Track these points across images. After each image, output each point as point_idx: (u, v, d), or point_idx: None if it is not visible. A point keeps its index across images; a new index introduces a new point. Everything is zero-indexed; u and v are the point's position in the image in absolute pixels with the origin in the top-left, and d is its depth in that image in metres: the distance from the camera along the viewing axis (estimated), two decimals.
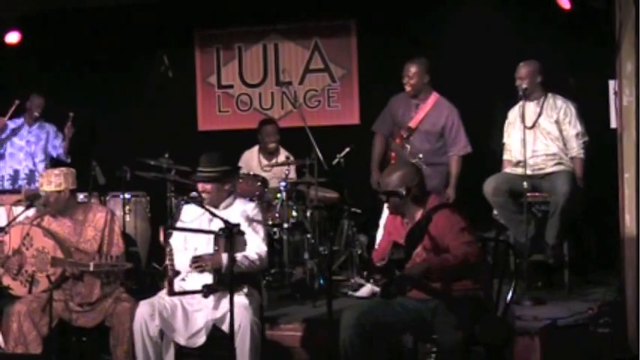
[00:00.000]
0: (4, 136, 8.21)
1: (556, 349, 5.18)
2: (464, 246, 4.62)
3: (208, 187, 5.31)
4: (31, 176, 8.13)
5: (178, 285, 5.13)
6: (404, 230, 4.78)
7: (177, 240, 5.27)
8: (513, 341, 5.05)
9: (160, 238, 5.06)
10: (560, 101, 6.54)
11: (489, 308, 4.72)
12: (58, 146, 8.31)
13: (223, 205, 5.32)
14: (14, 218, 5.82)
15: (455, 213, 4.82)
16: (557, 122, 6.49)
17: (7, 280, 5.54)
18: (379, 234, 6.38)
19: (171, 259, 5.03)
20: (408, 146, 6.47)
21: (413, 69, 6.56)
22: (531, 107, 6.55)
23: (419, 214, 4.77)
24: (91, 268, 5.32)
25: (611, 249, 6.20)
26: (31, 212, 5.82)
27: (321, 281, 6.86)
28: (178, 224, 5.44)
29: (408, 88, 6.59)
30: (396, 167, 5.13)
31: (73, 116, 8.08)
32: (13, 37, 8.96)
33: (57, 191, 5.54)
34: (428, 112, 6.57)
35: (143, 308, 5.06)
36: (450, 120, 6.58)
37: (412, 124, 6.54)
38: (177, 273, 5.08)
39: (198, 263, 5.04)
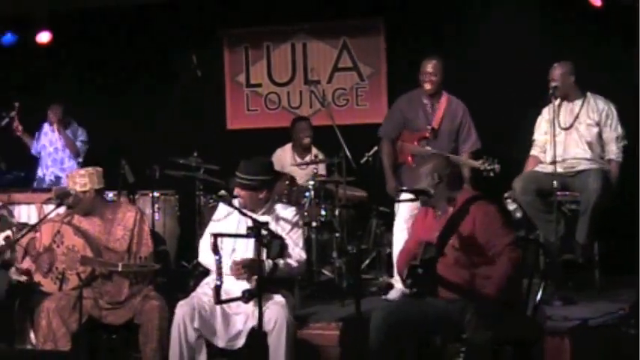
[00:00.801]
0: (39, 140, 8.29)
1: (586, 349, 5.14)
2: (507, 252, 4.59)
3: (242, 192, 5.31)
4: (56, 183, 8.17)
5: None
6: (437, 224, 4.75)
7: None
8: (543, 341, 5.01)
9: (211, 248, 4.96)
10: (601, 103, 6.45)
11: (519, 308, 4.70)
12: (80, 146, 8.37)
13: (262, 210, 5.31)
14: (45, 216, 5.84)
15: (492, 205, 4.80)
16: (597, 124, 6.41)
17: (38, 277, 5.56)
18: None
19: (220, 269, 4.96)
20: (429, 147, 6.42)
21: (434, 67, 6.48)
22: (568, 108, 6.49)
23: (452, 207, 4.74)
24: (120, 269, 5.34)
25: None
26: (61, 210, 5.86)
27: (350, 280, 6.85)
28: (212, 223, 5.48)
29: (428, 86, 6.48)
30: (428, 159, 5.09)
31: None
32: (44, 37, 9.06)
33: (82, 191, 5.56)
34: (445, 110, 6.51)
35: (182, 309, 5.05)
36: (464, 118, 6.53)
37: (435, 124, 6.47)
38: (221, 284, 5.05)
39: (239, 270, 5.04)
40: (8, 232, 5.88)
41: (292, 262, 5.22)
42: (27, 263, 5.60)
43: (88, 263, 5.41)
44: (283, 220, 5.31)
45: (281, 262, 5.13)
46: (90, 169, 5.63)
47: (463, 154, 6.49)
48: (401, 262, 4.97)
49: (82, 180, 5.56)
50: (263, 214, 5.28)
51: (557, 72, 6.43)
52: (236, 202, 5.28)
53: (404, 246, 5.08)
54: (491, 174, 6.20)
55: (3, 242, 5.83)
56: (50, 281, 5.52)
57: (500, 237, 4.63)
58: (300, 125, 8.02)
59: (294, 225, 5.35)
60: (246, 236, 5.06)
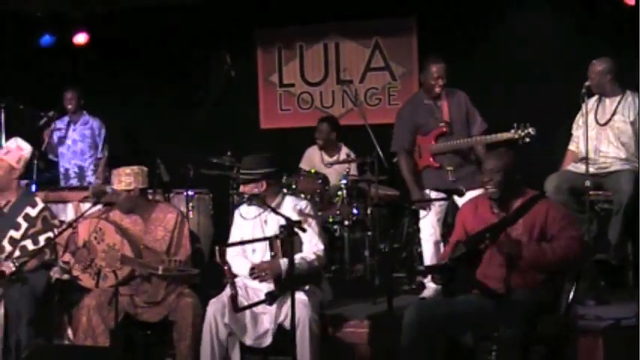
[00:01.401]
0: (56, 136, 8.35)
1: (619, 349, 5.10)
2: (569, 241, 4.59)
3: (246, 188, 5.34)
4: (80, 174, 8.23)
5: (244, 286, 5.15)
6: (494, 217, 4.74)
7: (247, 237, 5.32)
8: (576, 341, 4.99)
9: (217, 259, 4.98)
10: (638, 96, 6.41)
11: (552, 307, 4.69)
12: (100, 141, 8.42)
13: (274, 202, 5.31)
14: (82, 214, 5.91)
15: (560, 205, 4.79)
16: (632, 124, 6.34)
17: (76, 272, 5.61)
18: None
19: (232, 278, 5.00)
20: (452, 142, 6.40)
21: (443, 69, 6.41)
22: (606, 104, 6.44)
23: (517, 203, 4.71)
24: (160, 272, 5.35)
25: None
26: (99, 207, 5.90)
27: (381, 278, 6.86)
28: (235, 224, 5.50)
29: (438, 90, 6.41)
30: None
31: None
32: (81, 38, 9.15)
33: (127, 190, 5.61)
34: (449, 103, 6.45)
35: (214, 307, 5.09)
36: (467, 104, 6.48)
37: (446, 118, 6.43)
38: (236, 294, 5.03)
39: (257, 274, 5.07)
40: (50, 234, 5.92)
41: (310, 255, 5.22)
42: (66, 258, 5.66)
43: (128, 263, 5.46)
44: (295, 211, 5.29)
45: (297, 257, 5.08)
46: (135, 168, 5.66)
47: (474, 137, 6.42)
48: (444, 257, 5.00)
49: (127, 179, 5.60)
50: (274, 207, 5.25)
51: (595, 69, 6.39)
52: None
53: (450, 241, 5.07)
54: (527, 139, 6.06)
55: (44, 243, 5.88)
56: (88, 276, 5.57)
57: (567, 230, 4.63)
58: (319, 126, 8.06)
59: (309, 216, 5.34)
60: (257, 240, 5.14)
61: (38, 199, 6.08)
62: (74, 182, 8.24)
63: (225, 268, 5.00)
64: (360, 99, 8.53)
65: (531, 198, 4.71)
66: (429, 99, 6.48)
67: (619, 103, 6.40)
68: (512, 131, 6.11)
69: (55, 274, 5.82)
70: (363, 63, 9.16)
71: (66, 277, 5.72)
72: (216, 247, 4.96)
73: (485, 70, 7.89)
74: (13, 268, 5.65)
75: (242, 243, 5.26)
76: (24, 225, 5.88)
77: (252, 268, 5.08)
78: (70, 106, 8.36)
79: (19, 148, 6.03)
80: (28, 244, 5.85)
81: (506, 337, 4.42)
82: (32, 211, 5.93)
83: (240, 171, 5.38)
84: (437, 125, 6.41)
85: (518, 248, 4.54)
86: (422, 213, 6.37)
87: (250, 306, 5.00)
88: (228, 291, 5.13)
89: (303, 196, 5.58)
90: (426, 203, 6.29)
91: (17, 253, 5.79)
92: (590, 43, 7.56)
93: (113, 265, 5.49)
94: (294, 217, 5.05)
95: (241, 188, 5.39)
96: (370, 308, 6.32)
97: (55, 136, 8.29)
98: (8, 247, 5.81)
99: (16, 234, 5.87)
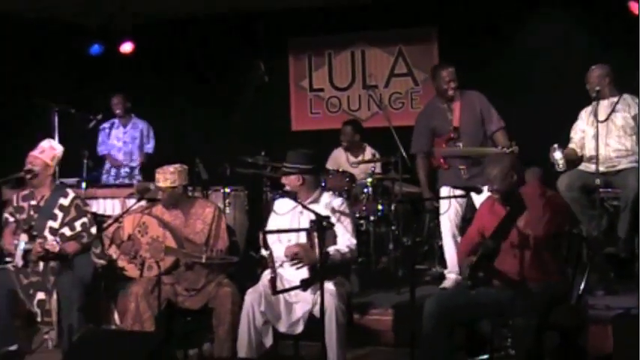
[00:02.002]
0: (104, 140, 8.39)
1: (628, 337, 5.05)
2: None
3: (287, 180, 5.34)
4: (131, 174, 8.28)
5: (278, 277, 5.14)
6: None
7: (271, 235, 5.31)
8: (587, 329, 4.96)
9: (261, 244, 5.07)
10: (637, 98, 6.35)
11: (564, 297, 4.66)
12: (151, 143, 8.46)
13: (310, 199, 5.29)
14: (127, 209, 5.94)
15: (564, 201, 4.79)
16: (634, 118, 6.29)
17: (122, 263, 5.64)
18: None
19: (272, 263, 5.01)
20: (460, 144, 6.35)
21: (454, 73, 6.38)
22: (604, 105, 6.38)
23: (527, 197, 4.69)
24: (203, 260, 5.36)
25: None
26: (143, 203, 5.94)
27: (405, 270, 6.84)
28: (272, 215, 5.50)
29: (451, 92, 6.37)
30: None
31: None
32: (127, 47, 9.21)
33: (171, 187, 5.64)
34: (461, 107, 6.39)
35: (251, 296, 5.09)
36: (482, 104, 6.39)
37: (455, 123, 6.38)
38: (276, 276, 5.03)
39: (296, 261, 5.06)
40: (84, 219, 5.98)
41: (343, 248, 5.20)
42: (112, 250, 5.69)
43: (172, 253, 5.49)
44: (333, 209, 5.28)
45: (332, 249, 5.12)
46: (178, 166, 5.69)
47: (493, 134, 6.35)
48: (462, 250, 5.00)
49: (172, 177, 5.62)
50: (311, 202, 5.24)
51: (594, 74, 6.35)
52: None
53: (466, 234, 5.06)
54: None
55: (80, 228, 5.95)
56: (134, 267, 5.60)
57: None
58: (344, 129, 8.05)
59: (344, 213, 5.32)
60: (295, 230, 5.12)
61: (69, 190, 6.13)
62: (124, 181, 8.29)
63: (268, 252, 5.03)
64: (384, 103, 8.54)
65: (536, 195, 4.70)
66: (444, 103, 6.44)
67: (617, 102, 6.35)
68: (500, 147, 6.10)
69: (93, 258, 5.87)
70: (388, 69, 9.15)
71: (103, 262, 5.78)
72: (260, 233, 5.02)
73: (502, 76, 7.84)
74: (57, 246, 5.73)
75: (283, 231, 5.24)
76: (60, 215, 5.94)
77: (295, 253, 5.06)
78: (118, 111, 8.43)
79: (52, 148, 6.10)
80: (66, 230, 5.90)
81: (520, 326, 4.40)
82: (65, 201, 5.98)
83: (284, 164, 5.38)
84: (448, 129, 6.39)
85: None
86: (442, 209, 6.35)
87: (286, 290, 5.01)
88: (266, 277, 5.15)
89: (330, 192, 5.56)
90: (447, 200, 6.27)
91: (57, 239, 5.83)
92: (595, 52, 7.52)
93: (156, 256, 5.50)
94: (325, 212, 5.03)
95: (282, 179, 5.39)
96: (394, 298, 6.33)
97: (102, 137, 8.36)
98: (50, 237, 5.85)
99: (54, 224, 5.91)
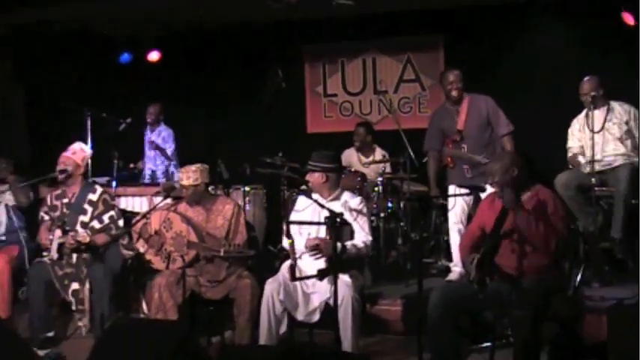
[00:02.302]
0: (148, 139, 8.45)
1: (622, 326, 5.05)
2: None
3: (310, 177, 5.37)
4: (167, 175, 8.31)
5: (297, 268, 5.17)
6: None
7: (293, 226, 5.31)
8: (583, 318, 4.95)
9: (284, 233, 5.09)
10: (626, 105, 6.36)
11: (561, 290, 4.65)
12: (170, 147, 8.49)
13: (331, 197, 5.33)
14: (154, 206, 5.98)
15: (561, 201, 4.78)
16: (627, 123, 6.29)
17: (149, 256, 5.67)
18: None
19: (294, 252, 5.05)
20: (465, 145, 6.34)
21: (457, 75, 6.39)
22: (597, 115, 6.36)
23: (525, 196, 4.69)
24: (222, 254, 5.39)
25: None
26: (168, 201, 5.98)
27: (413, 263, 6.85)
28: (293, 212, 5.52)
29: (455, 93, 6.36)
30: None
31: None
32: (153, 56, 9.24)
33: (194, 185, 5.67)
34: (468, 110, 6.36)
35: (271, 286, 5.10)
36: (489, 106, 6.35)
37: (459, 126, 6.36)
38: (295, 264, 5.08)
39: (315, 250, 5.08)
40: (112, 213, 6.03)
41: (359, 243, 5.22)
42: (140, 244, 5.71)
43: (193, 247, 5.50)
44: (351, 207, 5.30)
45: (349, 244, 5.14)
46: (199, 165, 5.71)
47: (502, 138, 6.32)
48: (464, 245, 4.98)
49: (194, 175, 5.66)
50: (332, 200, 5.28)
51: (588, 86, 6.33)
52: (315, 195, 5.33)
53: (468, 229, 5.05)
54: None
55: (108, 221, 5.99)
56: (159, 260, 5.62)
57: (560, 227, 4.62)
58: (357, 130, 8.04)
59: (361, 212, 5.33)
60: (317, 223, 5.13)
61: (97, 186, 6.21)
62: (162, 181, 8.32)
63: (290, 241, 5.05)
64: (394, 107, 8.52)
65: (537, 194, 4.70)
66: (452, 105, 6.44)
67: (607, 112, 6.34)
68: (482, 156, 6.12)
69: (121, 249, 5.90)
70: (397, 75, 9.12)
71: (131, 253, 5.84)
72: (284, 223, 5.05)
73: (503, 81, 7.82)
74: (88, 237, 5.79)
75: (305, 223, 5.26)
76: (89, 209, 6.00)
77: (317, 244, 5.08)
78: (149, 120, 8.46)
79: (82, 150, 6.18)
80: (95, 224, 5.97)
81: (517, 317, 4.41)
82: (94, 197, 6.04)
83: (309, 162, 5.39)
84: (454, 131, 6.38)
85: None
86: (449, 205, 6.36)
87: (304, 278, 5.03)
88: (285, 268, 5.20)
89: (349, 192, 5.58)
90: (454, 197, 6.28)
91: (88, 232, 5.90)
92: (592, 61, 7.53)
93: (180, 249, 5.53)
94: (341, 210, 5.08)
95: (307, 176, 5.41)
96: (403, 289, 6.34)
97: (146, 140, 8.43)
98: (81, 230, 5.91)
99: (84, 218, 5.98)
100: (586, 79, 6.37)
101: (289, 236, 5.08)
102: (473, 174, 6.22)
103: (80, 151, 6.14)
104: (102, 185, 6.45)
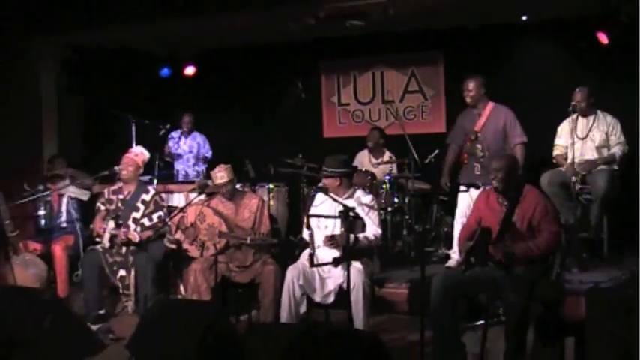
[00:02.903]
0: (172, 144, 8.47)
1: (598, 306, 5.04)
2: (550, 236, 4.56)
3: (325, 181, 5.40)
4: (197, 175, 8.35)
5: (315, 256, 5.20)
6: (499, 208, 4.72)
7: (312, 220, 5.34)
8: (564, 300, 4.95)
9: (304, 225, 5.12)
10: (609, 117, 6.35)
11: (546, 275, 4.65)
12: (207, 151, 8.52)
13: (346, 195, 5.33)
14: (190, 202, 6.02)
15: (547, 199, 4.77)
16: (606, 134, 6.30)
17: (185, 245, 5.74)
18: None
19: (313, 242, 5.08)
20: (479, 145, 6.31)
21: (471, 84, 6.34)
22: (584, 122, 6.37)
23: (515, 197, 4.66)
24: (248, 241, 5.44)
25: None
26: (202, 197, 6.02)
27: (416, 251, 6.85)
28: (312, 207, 5.53)
29: (468, 100, 6.36)
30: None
31: None
32: (189, 70, 9.28)
33: (228, 182, 5.72)
34: (488, 116, 6.33)
35: (292, 272, 5.11)
36: (507, 118, 6.30)
37: (476, 128, 6.34)
38: (314, 252, 5.12)
39: (332, 242, 5.10)
40: (160, 213, 6.07)
41: (370, 235, 5.23)
42: (178, 234, 5.77)
43: (224, 237, 5.55)
44: (363, 204, 5.32)
45: (361, 235, 5.16)
46: (224, 166, 5.75)
47: (514, 147, 6.26)
48: (462, 236, 4.97)
49: (225, 174, 5.70)
50: (346, 198, 5.28)
51: (580, 95, 6.32)
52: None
53: (466, 221, 5.04)
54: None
55: (157, 220, 6.03)
56: (194, 248, 5.68)
57: (552, 226, 4.61)
58: (371, 133, 8.01)
59: (372, 208, 5.35)
60: (334, 217, 5.13)
61: (150, 188, 6.26)
62: (184, 179, 8.38)
63: (309, 232, 5.11)
64: (399, 115, 8.52)
65: (527, 193, 4.68)
66: (473, 109, 6.42)
67: (594, 121, 6.33)
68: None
69: (166, 242, 5.95)
70: (402, 87, 9.11)
71: (173, 246, 5.84)
72: (304, 216, 5.09)
73: (497, 92, 7.77)
74: (138, 237, 5.85)
75: (323, 216, 5.26)
76: (142, 207, 6.05)
77: (332, 237, 5.11)
78: (185, 129, 8.48)
79: (142, 154, 6.23)
80: (145, 221, 6.02)
81: (510, 300, 4.42)
82: (147, 197, 6.09)
83: (323, 168, 5.37)
84: (471, 131, 6.37)
85: (512, 250, 4.52)
86: (458, 203, 6.34)
87: (321, 264, 5.07)
88: (304, 256, 5.23)
89: (362, 190, 5.60)
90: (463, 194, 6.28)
91: (138, 229, 5.96)
92: (576, 72, 7.55)
93: (213, 239, 5.59)
94: (360, 207, 5.13)
95: (323, 181, 5.41)
96: (407, 274, 6.35)
97: (172, 143, 8.44)
98: (132, 225, 5.97)
99: (137, 214, 6.03)
100: (578, 89, 6.35)
101: (309, 228, 5.12)
102: (481, 172, 6.19)
103: (141, 154, 6.19)
104: (145, 183, 6.48)
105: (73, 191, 6.64)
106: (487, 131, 6.31)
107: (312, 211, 5.48)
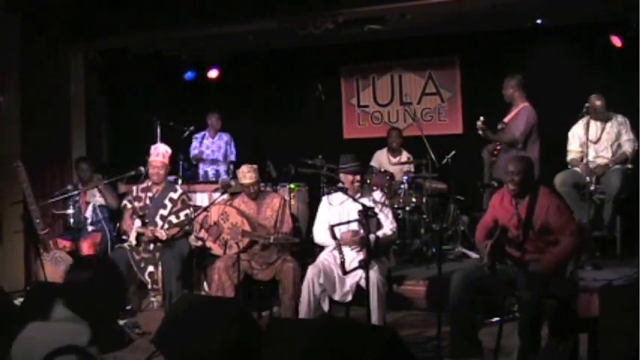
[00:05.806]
0: (196, 146, 8.50)
1: (611, 303, 5.01)
2: (571, 238, 4.52)
3: (351, 177, 5.30)
4: (218, 176, 8.38)
5: (332, 259, 5.21)
6: (512, 209, 4.70)
7: (333, 219, 5.32)
8: (578, 297, 4.93)
9: (330, 236, 5.09)
10: (620, 117, 6.39)
11: (560, 272, 4.64)
12: (232, 153, 8.53)
13: (359, 194, 5.33)
14: (213, 201, 6.06)
15: (559, 197, 4.77)
16: (618, 133, 6.33)
17: (209, 243, 5.77)
18: None
19: (341, 251, 5.03)
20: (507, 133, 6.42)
21: (505, 83, 6.51)
22: (597, 125, 6.39)
23: (529, 196, 4.66)
24: (272, 240, 5.45)
25: None
26: (225, 196, 6.06)
27: (433, 249, 6.86)
28: (327, 206, 5.50)
29: (506, 98, 6.53)
30: (516, 160, 4.92)
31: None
32: (213, 73, 9.33)
33: (254, 182, 5.74)
34: (519, 112, 6.40)
35: (312, 270, 5.11)
36: (523, 113, 6.36)
37: (506, 119, 6.47)
38: (344, 260, 5.07)
39: (356, 239, 5.13)
40: (187, 211, 6.11)
41: (387, 231, 5.26)
42: (202, 233, 5.80)
43: (247, 236, 5.56)
44: (376, 200, 5.34)
45: (380, 233, 5.19)
46: (250, 166, 5.76)
47: (532, 143, 6.34)
48: (478, 233, 4.95)
49: (252, 174, 5.72)
50: (360, 197, 5.26)
51: (599, 102, 6.33)
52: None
53: (481, 220, 5.04)
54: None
55: (184, 217, 6.06)
56: (218, 247, 5.71)
57: (568, 226, 4.57)
58: (391, 133, 8.05)
59: (384, 204, 5.37)
60: (353, 222, 5.11)
61: (178, 187, 6.31)
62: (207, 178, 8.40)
63: (336, 242, 5.08)
64: (417, 116, 8.51)
65: (540, 195, 4.65)
66: (511, 105, 6.54)
67: (606, 123, 6.36)
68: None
69: (191, 241, 5.98)
70: (420, 89, 9.11)
71: (199, 244, 5.86)
72: (329, 226, 5.05)
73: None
74: (165, 235, 5.87)
75: (344, 223, 5.22)
76: (169, 205, 6.10)
77: (356, 232, 5.12)
78: (212, 129, 8.48)
79: (167, 151, 6.25)
80: (172, 218, 6.06)
81: (524, 296, 4.40)
82: (174, 195, 6.13)
83: (344, 165, 5.32)
84: (503, 121, 6.49)
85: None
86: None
87: (352, 270, 5.03)
88: (323, 256, 5.24)
89: (375, 188, 5.59)
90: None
91: (165, 225, 6.00)
92: (590, 76, 7.54)
93: (236, 238, 5.60)
94: (369, 204, 5.09)
95: (350, 177, 5.30)
96: (425, 272, 6.35)
97: (196, 143, 8.47)
98: (159, 222, 6.02)
99: (164, 212, 6.08)
100: (595, 95, 6.37)
101: (335, 238, 5.09)
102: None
103: (166, 153, 6.21)
104: (173, 183, 6.52)
105: (99, 200, 6.71)
106: (513, 126, 6.37)
107: (329, 210, 5.48)
